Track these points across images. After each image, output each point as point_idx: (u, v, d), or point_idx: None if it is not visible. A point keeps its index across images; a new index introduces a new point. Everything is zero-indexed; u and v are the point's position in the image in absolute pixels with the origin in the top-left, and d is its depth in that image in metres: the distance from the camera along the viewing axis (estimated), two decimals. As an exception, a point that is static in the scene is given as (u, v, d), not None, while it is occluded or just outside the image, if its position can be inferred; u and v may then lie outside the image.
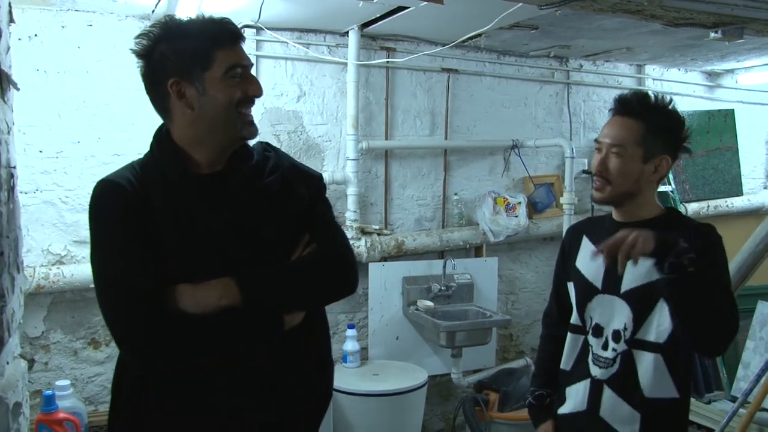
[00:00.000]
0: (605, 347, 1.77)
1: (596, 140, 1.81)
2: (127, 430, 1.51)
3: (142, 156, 1.58)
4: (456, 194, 3.92)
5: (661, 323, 1.68)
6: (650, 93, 1.78)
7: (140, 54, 1.51)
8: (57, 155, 3.05)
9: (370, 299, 3.65)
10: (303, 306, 1.51)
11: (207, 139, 1.46)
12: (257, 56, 3.30)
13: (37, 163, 3.02)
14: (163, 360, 1.39)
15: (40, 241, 3.04)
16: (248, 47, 3.33)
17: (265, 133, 3.33)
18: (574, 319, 1.87)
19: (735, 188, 4.83)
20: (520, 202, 3.94)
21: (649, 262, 1.64)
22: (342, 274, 1.55)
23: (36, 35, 2.98)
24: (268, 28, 3.24)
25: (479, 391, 3.50)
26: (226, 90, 1.42)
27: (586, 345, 1.83)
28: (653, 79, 4.54)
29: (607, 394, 1.75)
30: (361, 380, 3.24)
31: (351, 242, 2.93)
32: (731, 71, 4.72)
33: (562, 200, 3.84)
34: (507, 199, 3.93)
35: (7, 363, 1.62)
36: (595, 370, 1.78)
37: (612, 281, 1.76)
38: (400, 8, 2.99)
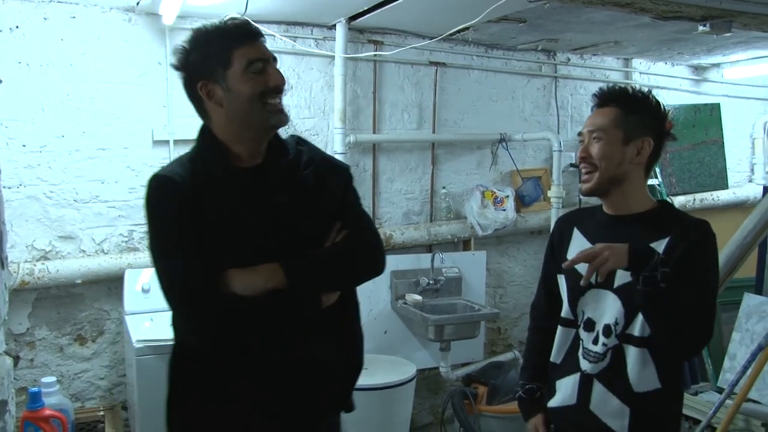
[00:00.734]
0: (595, 342, 1.76)
1: (579, 134, 1.82)
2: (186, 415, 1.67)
3: (189, 151, 1.67)
4: (444, 188, 3.92)
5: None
6: (628, 85, 1.82)
7: (176, 67, 1.63)
8: (41, 149, 3.01)
9: (358, 293, 3.62)
10: (339, 287, 1.66)
11: (241, 132, 1.58)
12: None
13: (20, 158, 2.97)
14: (225, 340, 1.55)
15: (24, 237, 3.00)
16: (235, 40, 3.30)
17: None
18: (566, 312, 1.86)
19: (720, 181, 4.86)
20: (507, 196, 3.95)
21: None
22: (372, 257, 1.71)
23: (17, 27, 2.93)
24: (254, 21, 3.19)
25: (468, 384, 3.50)
26: (248, 83, 1.54)
27: (576, 339, 1.82)
28: (640, 73, 4.56)
29: (597, 388, 1.75)
30: (349, 375, 3.22)
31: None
32: (717, 65, 4.75)
33: (549, 194, 3.84)
34: (495, 193, 3.93)
35: (-8, 360, 1.60)
36: (585, 365, 1.78)
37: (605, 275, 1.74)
38: (387, 0, 2.98)
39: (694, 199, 4.70)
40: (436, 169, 3.92)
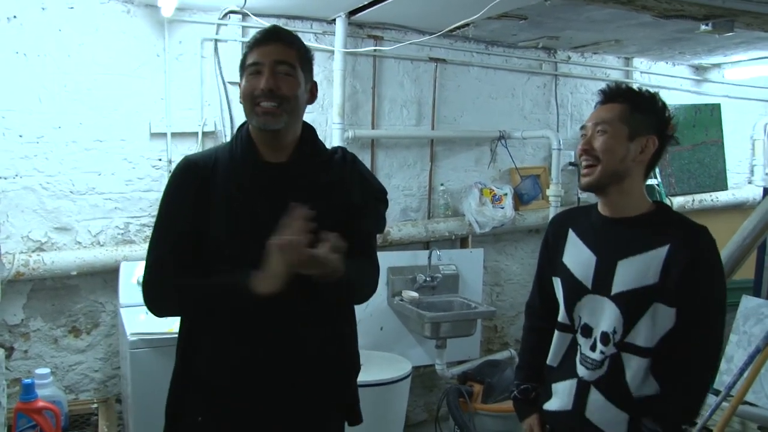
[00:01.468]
0: (593, 349, 1.73)
1: (581, 127, 1.79)
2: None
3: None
4: (442, 185, 3.91)
5: (652, 328, 1.65)
6: (634, 86, 1.83)
7: None
8: (38, 140, 2.99)
9: (354, 289, 3.62)
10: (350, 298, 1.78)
11: (252, 128, 1.68)
12: (242, 43, 3.26)
13: (16, 148, 2.95)
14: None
15: (19, 228, 2.99)
16: (233, 33, 3.29)
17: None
18: (562, 317, 1.83)
19: (720, 182, 4.85)
20: (506, 194, 3.93)
21: (642, 263, 1.65)
22: (373, 289, 1.81)
23: (15, 17, 2.91)
24: (254, 14, 3.20)
25: (463, 382, 3.49)
26: (244, 85, 1.65)
27: (574, 344, 1.80)
28: (641, 72, 4.54)
29: (594, 396, 1.72)
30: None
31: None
32: (718, 65, 4.73)
33: (548, 192, 3.83)
34: (493, 191, 3.92)
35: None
36: (582, 371, 1.75)
37: (603, 281, 1.72)
38: (388, -5, 2.96)
39: (693, 200, 4.69)
40: (435, 165, 3.91)
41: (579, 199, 4.04)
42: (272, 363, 1.65)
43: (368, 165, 3.70)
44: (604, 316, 1.71)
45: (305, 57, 1.70)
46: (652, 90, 1.78)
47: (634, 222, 1.71)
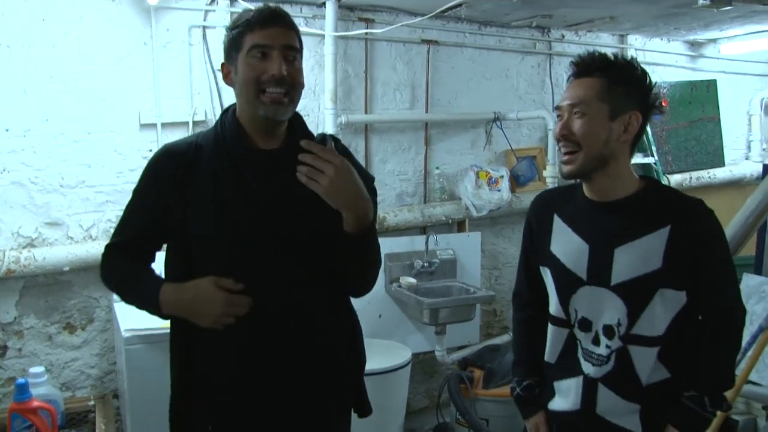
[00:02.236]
0: (596, 342, 1.63)
1: (556, 107, 1.65)
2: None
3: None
4: (437, 168, 3.86)
5: (658, 316, 1.56)
6: (609, 53, 1.63)
7: None
8: (25, 134, 2.92)
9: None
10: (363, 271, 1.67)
11: (247, 115, 1.59)
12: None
13: (3, 142, 2.89)
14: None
15: (9, 224, 2.93)
16: (221, 19, 3.21)
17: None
18: (555, 310, 1.72)
19: (717, 159, 4.82)
20: (502, 176, 3.89)
21: (642, 249, 1.55)
22: (377, 273, 1.73)
23: (-3, 7, 2.84)
24: (242, -1, 3.13)
25: (464, 368, 3.47)
26: (246, 69, 1.54)
27: (572, 339, 1.69)
28: (636, 49, 4.48)
29: (603, 392, 1.63)
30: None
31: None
32: (714, 41, 4.68)
33: (545, 173, 3.79)
34: (489, 173, 3.87)
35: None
36: (587, 368, 1.65)
37: (599, 271, 1.61)
38: (378, -24, 2.90)
39: (691, 177, 4.66)
40: (430, 149, 3.86)
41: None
42: (276, 363, 1.61)
43: (362, 150, 3.66)
44: (605, 308, 1.61)
45: (301, 41, 1.65)
46: (629, 56, 1.64)
47: (625, 204, 1.60)
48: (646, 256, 1.55)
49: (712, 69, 4.83)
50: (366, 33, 3.52)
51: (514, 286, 1.96)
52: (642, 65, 1.63)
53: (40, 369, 2.63)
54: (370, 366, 3.06)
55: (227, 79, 1.63)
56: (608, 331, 1.61)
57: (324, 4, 3.34)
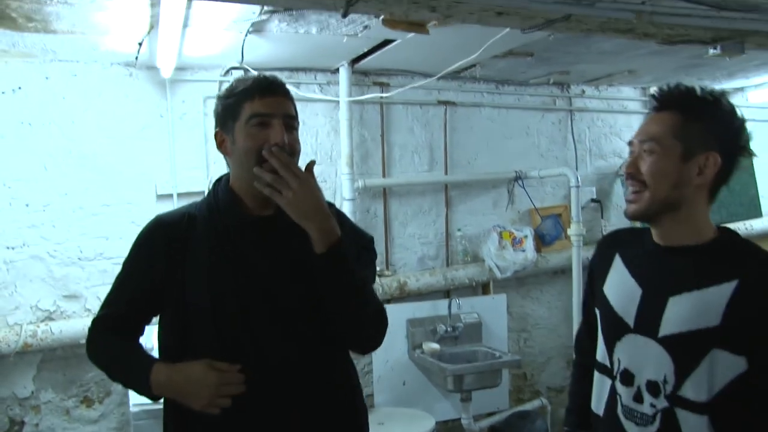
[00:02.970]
0: (639, 399, 1.45)
1: (629, 143, 1.49)
2: None
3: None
4: (459, 230, 3.79)
5: (707, 379, 1.35)
6: (697, 85, 1.44)
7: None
8: (44, 208, 2.98)
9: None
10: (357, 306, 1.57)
11: (244, 183, 1.55)
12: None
13: (23, 217, 2.95)
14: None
15: (28, 297, 2.96)
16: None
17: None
18: (601, 356, 1.55)
19: (753, 210, 4.63)
20: (526, 236, 3.80)
21: (701, 301, 1.37)
22: (383, 328, 1.63)
23: (20, 88, 2.94)
24: (255, 69, 3.17)
25: (492, 436, 3.32)
26: (246, 138, 1.51)
27: (613, 392, 1.52)
28: (660, 102, 4.41)
29: None
30: (364, 430, 3.06)
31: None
32: (741, 89, 4.57)
33: (569, 232, 3.68)
34: (513, 233, 3.79)
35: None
36: (629, 426, 1.47)
37: (648, 320, 1.43)
38: (388, 41, 2.91)
39: (727, 231, 4.48)
40: (451, 211, 3.80)
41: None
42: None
43: (381, 214, 3.63)
44: (649, 361, 1.43)
45: (296, 110, 1.61)
46: (718, 92, 1.44)
47: (692, 252, 1.42)
48: (704, 309, 1.36)
49: (742, 118, 4.71)
50: (381, 97, 3.53)
51: (577, 329, 1.82)
52: (729, 101, 1.45)
53: (52, 445, 2.59)
54: (390, 437, 2.98)
55: (221, 147, 1.61)
56: (653, 388, 1.43)
57: (338, 69, 3.38)
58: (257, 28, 2.59)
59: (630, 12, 1.94)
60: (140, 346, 1.65)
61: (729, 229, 1.49)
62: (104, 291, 3.01)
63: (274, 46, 2.88)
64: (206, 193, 1.69)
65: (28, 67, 2.94)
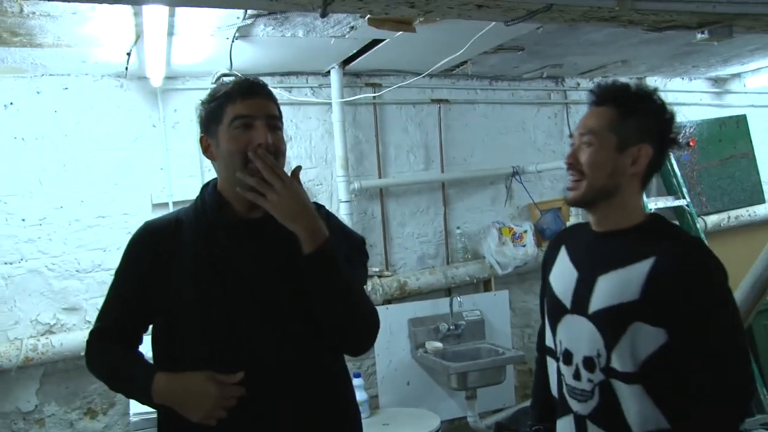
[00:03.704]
0: (578, 377, 1.54)
1: (569, 135, 1.63)
2: None
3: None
4: (458, 228, 3.78)
5: (634, 350, 1.44)
6: (630, 82, 1.59)
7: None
8: (40, 222, 2.99)
9: (375, 345, 3.45)
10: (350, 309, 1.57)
11: (231, 186, 1.53)
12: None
13: (20, 232, 2.95)
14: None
15: (27, 312, 2.96)
16: (227, 96, 3.26)
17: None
18: (549, 340, 1.66)
19: (756, 196, 4.60)
20: (526, 231, 3.78)
21: (623, 278, 1.46)
22: (375, 329, 1.63)
23: (12, 103, 2.96)
24: (244, 75, 3.16)
25: (498, 433, 3.29)
26: (230, 140, 1.50)
27: (560, 373, 1.62)
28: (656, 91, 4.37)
29: (592, 430, 1.52)
30: (369, 431, 3.05)
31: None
32: (738, 75, 4.55)
33: (568, 225, 3.66)
34: (512, 229, 3.77)
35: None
36: (574, 404, 1.56)
37: (581, 299, 1.54)
38: (377, 41, 2.91)
39: (729, 217, 4.44)
40: (449, 209, 3.79)
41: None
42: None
43: (378, 215, 3.62)
44: (583, 338, 1.52)
45: (280, 110, 1.60)
46: (651, 88, 1.58)
47: (621, 234, 1.54)
48: (626, 285, 1.45)
49: (740, 104, 4.68)
50: (374, 97, 3.52)
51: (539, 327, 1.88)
52: (662, 98, 1.57)
53: (56, 458, 2.59)
54: (395, 437, 2.97)
55: (207, 152, 1.60)
56: (588, 363, 1.52)
57: (329, 72, 3.37)
58: (243, 33, 2.59)
59: (611, -1, 1.93)
60: (139, 354, 1.63)
61: (657, 215, 1.61)
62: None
63: (263, 50, 2.88)
64: (196, 198, 1.67)
65: (19, 83, 2.95)
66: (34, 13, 2.13)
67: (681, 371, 1.41)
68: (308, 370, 1.55)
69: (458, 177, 3.79)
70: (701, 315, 1.40)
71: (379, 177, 3.60)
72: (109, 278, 3.02)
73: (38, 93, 2.99)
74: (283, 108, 3.52)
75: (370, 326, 1.61)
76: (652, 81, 4.37)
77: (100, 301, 3.01)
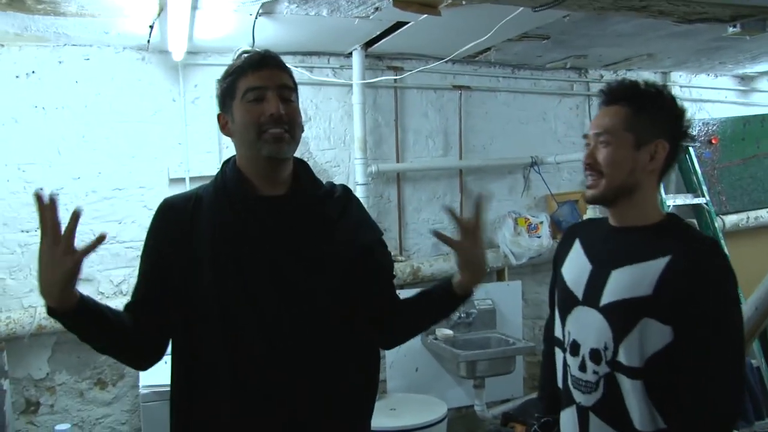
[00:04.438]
0: (583, 368, 1.55)
1: (584, 135, 1.63)
2: None
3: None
4: (474, 216, 3.74)
5: (642, 345, 1.45)
6: (639, 80, 1.59)
7: None
8: (58, 192, 2.97)
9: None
10: None
11: (249, 161, 1.54)
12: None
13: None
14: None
15: (42, 281, 2.97)
16: (248, 73, 3.25)
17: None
18: (558, 331, 1.67)
19: (777, 196, 4.54)
20: (542, 222, 3.75)
21: (637, 273, 1.47)
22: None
23: (34, 72, 2.95)
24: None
25: (505, 423, 3.28)
26: (243, 113, 1.50)
27: (566, 364, 1.62)
28: (680, 87, 4.32)
29: (594, 422, 1.52)
30: (376, 416, 3.02)
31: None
32: (766, 74, 4.47)
33: (585, 218, 3.62)
34: (528, 219, 3.74)
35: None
36: (577, 396, 1.56)
37: (593, 291, 1.55)
38: (400, 24, 2.88)
39: (748, 218, 4.39)
40: (465, 196, 3.76)
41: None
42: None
43: (395, 199, 3.60)
44: (592, 330, 1.53)
45: (295, 83, 1.58)
46: (660, 84, 1.59)
47: (639, 231, 1.54)
48: (639, 280, 1.46)
49: (767, 103, 4.60)
50: (395, 80, 3.50)
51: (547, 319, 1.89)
52: (670, 93, 1.59)
53: (65, 426, 2.62)
54: (402, 422, 2.97)
55: (225, 129, 1.59)
56: (595, 355, 1.52)
57: (351, 53, 3.35)
58: (267, 9, 2.57)
59: (644, -13, 1.89)
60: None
61: (675, 215, 1.63)
62: (117, 274, 3.09)
63: (286, 28, 2.86)
64: (216, 175, 1.64)
65: (42, 52, 2.95)
66: (59, -21, 2.12)
67: (679, 373, 1.43)
68: (325, 348, 1.54)
69: (476, 165, 3.77)
70: (704, 322, 1.41)
71: (397, 161, 3.58)
72: (123, 251, 3.08)
73: (60, 63, 2.98)
74: (303, 88, 3.52)
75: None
76: (677, 76, 4.31)
77: (114, 273, 3.09)
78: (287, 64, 1.58)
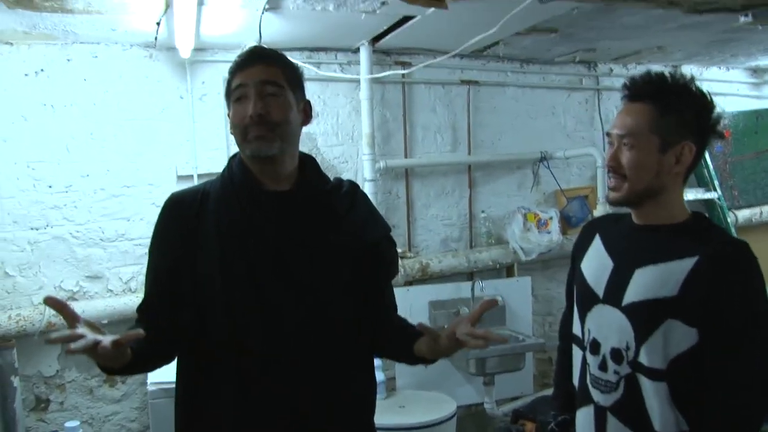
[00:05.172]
0: (604, 368, 1.51)
1: (607, 133, 1.57)
2: None
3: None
4: (483, 212, 3.73)
5: (665, 347, 1.41)
6: (666, 72, 1.51)
7: None
8: (66, 189, 3.00)
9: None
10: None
11: (246, 159, 1.54)
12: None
13: (46, 199, 2.97)
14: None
15: (51, 278, 2.98)
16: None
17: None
18: (576, 329, 1.63)
19: (790, 191, 4.48)
20: (552, 218, 3.72)
21: (663, 273, 1.43)
22: None
23: (42, 70, 2.96)
24: (270, 47, 3.15)
25: (515, 421, 3.26)
26: (232, 114, 1.51)
27: (584, 363, 1.59)
28: (692, 80, 4.27)
29: (612, 423, 1.50)
30: (385, 413, 3.02)
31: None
32: (780, 66, 4.42)
33: (596, 213, 3.60)
34: (538, 215, 3.71)
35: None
36: (596, 395, 1.54)
37: (615, 290, 1.50)
38: (407, 18, 2.86)
39: (761, 212, 4.34)
40: (474, 192, 3.74)
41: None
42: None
43: (403, 195, 3.58)
44: (613, 330, 1.49)
45: (293, 74, 1.54)
46: (688, 76, 1.49)
47: (664, 230, 1.50)
48: (665, 280, 1.42)
49: (780, 96, 4.56)
50: (403, 75, 3.48)
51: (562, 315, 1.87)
52: (700, 87, 1.50)
53: (75, 423, 2.62)
54: (411, 420, 2.96)
55: (230, 128, 1.58)
56: (616, 355, 1.49)
57: (359, 49, 3.33)
58: (273, 5, 2.55)
59: (653, -23, 1.87)
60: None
61: (701, 214, 1.59)
62: (126, 272, 3.10)
63: (293, 24, 2.85)
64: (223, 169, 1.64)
65: (50, 50, 2.95)
66: (64, -24, 2.12)
67: (704, 376, 1.39)
68: (329, 346, 1.53)
69: (485, 160, 3.74)
70: (732, 326, 1.37)
71: (405, 157, 3.57)
72: (132, 248, 3.08)
73: (68, 61, 2.99)
74: (310, 84, 3.52)
75: None
76: (688, 69, 4.26)
77: (123, 271, 3.09)
78: (294, 60, 1.57)
